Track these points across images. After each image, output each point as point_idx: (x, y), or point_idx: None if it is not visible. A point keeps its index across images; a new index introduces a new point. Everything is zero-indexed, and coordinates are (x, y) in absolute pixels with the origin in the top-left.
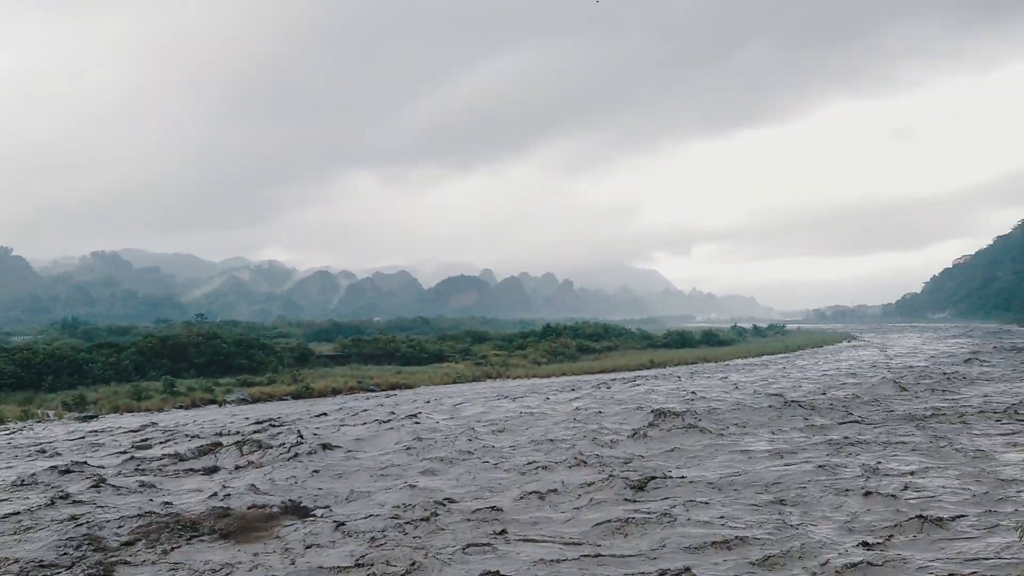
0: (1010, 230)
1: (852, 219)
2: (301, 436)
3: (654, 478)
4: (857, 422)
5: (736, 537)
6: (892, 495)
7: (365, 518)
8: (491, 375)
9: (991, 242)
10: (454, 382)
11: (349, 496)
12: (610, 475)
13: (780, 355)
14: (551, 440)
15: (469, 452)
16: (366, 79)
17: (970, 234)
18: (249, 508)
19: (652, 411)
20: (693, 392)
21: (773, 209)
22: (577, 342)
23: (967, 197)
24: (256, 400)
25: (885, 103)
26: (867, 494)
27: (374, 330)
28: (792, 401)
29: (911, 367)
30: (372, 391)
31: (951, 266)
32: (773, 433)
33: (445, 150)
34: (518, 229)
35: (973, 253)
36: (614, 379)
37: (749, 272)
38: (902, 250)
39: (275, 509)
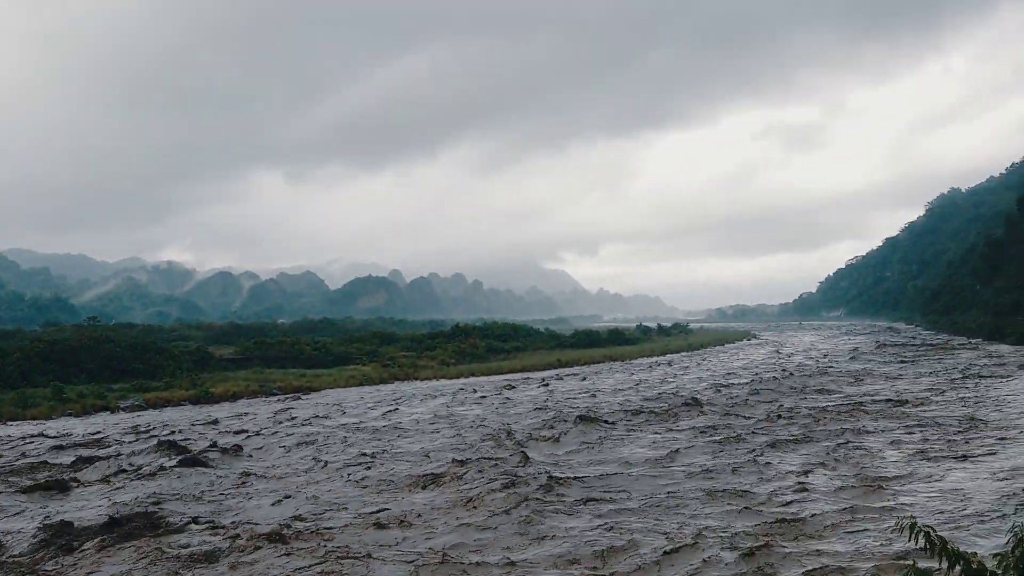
0: (898, 232)
1: (754, 221)
2: (171, 445)
3: (525, 490)
4: (745, 419)
5: (611, 547)
6: (771, 495)
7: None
8: (399, 377)
9: (880, 243)
10: (361, 384)
11: (211, 513)
12: (485, 487)
13: (683, 353)
14: (446, 445)
15: (342, 462)
16: (273, 75)
17: (863, 235)
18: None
19: (548, 411)
20: (594, 393)
21: (679, 210)
22: (486, 343)
23: (861, 200)
24: (152, 406)
25: (785, 109)
26: (744, 494)
27: (278, 332)
28: (688, 400)
29: (802, 365)
30: (275, 395)
31: (844, 267)
32: (662, 432)
33: (354, 148)
34: (427, 229)
35: (864, 254)
36: (524, 379)
37: (655, 272)
38: (800, 251)
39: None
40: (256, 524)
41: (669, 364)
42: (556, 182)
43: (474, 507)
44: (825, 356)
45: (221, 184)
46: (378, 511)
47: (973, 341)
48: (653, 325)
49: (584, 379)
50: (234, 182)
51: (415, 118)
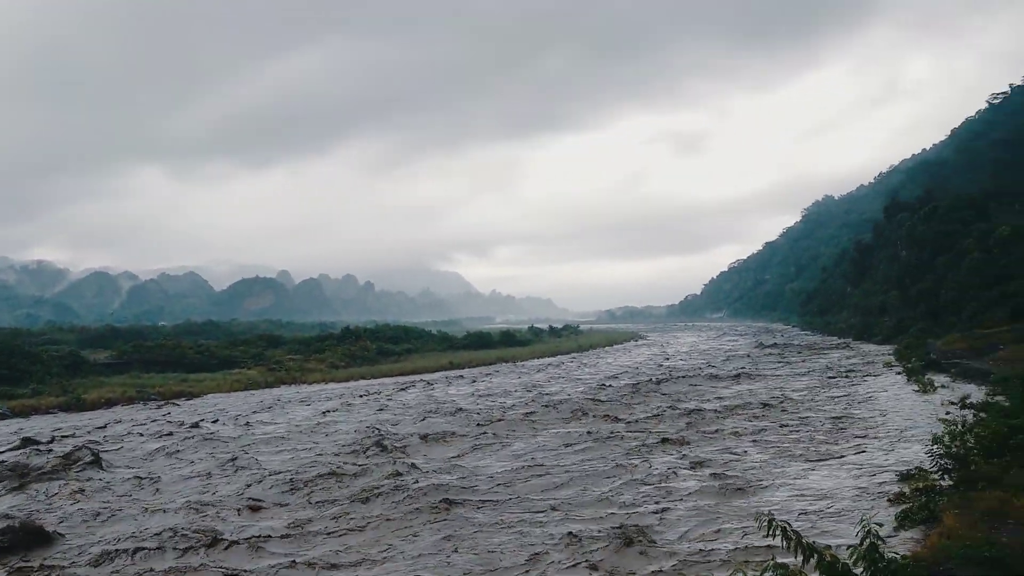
0: (776, 236)
1: (643, 224)
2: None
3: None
4: (618, 421)
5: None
6: (637, 498)
7: None
8: (286, 380)
9: (760, 248)
10: (246, 388)
11: None
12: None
13: (573, 354)
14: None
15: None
16: (156, 67)
17: (746, 240)
18: None
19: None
20: (454, 401)
21: (572, 214)
22: (377, 345)
23: (744, 205)
24: (18, 414)
25: (674, 116)
26: (607, 499)
27: (159, 335)
28: (557, 401)
29: (680, 367)
30: (153, 400)
31: (727, 270)
32: (537, 436)
33: (243, 145)
34: (318, 229)
35: (745, 258)
36: (413, 382)
37: (547, 274)
38: (687, 254)
39: None
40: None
41: (558, 366)
42: (450, 183)
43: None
44: (705, 357)
45: (98, 180)
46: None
47: (844, 340)
48: (545, 327)
49: (474, 381)
50: (113, 178)
51: (308, 115)
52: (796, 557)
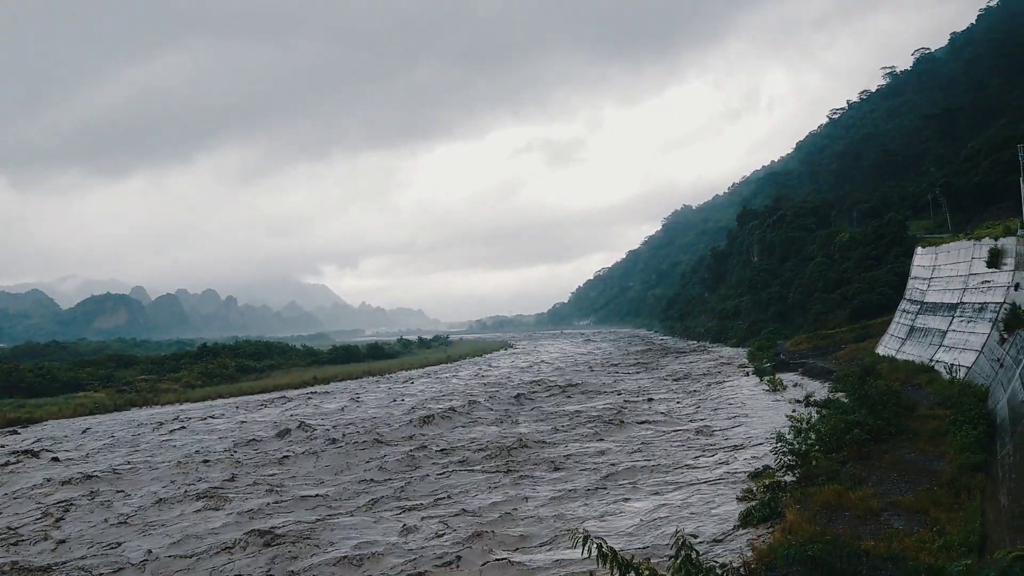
0: (639, 245)
1: (514, 233)
2: None
3: None
4: (443, 451)
5: None
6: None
7: None
8: (137, 403)
9: (624, 256)
10: (91, 413)
11: None
12: None
13: (442, 365)
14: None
15: None
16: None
17: (614, 248)
18: None
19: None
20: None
21: (443, 223)
22: (237, 362)
23: (612, 214)
24: None
25: (544, 127)
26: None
27: None
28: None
29: (535, 381)
30: None
31: (592, 278)
32: (325, 480)
33: (98, 153)
34: (177, 242)
35: (610, 266)
36: (269, 399)
37: (418, 285)
38: (556, 263)
39: None
40: None
41: (409, 381)
42: (318, 193)
43: None
44: (571, 366)
45: None
46: None
47: (702, 344)
48: (415, 338)
49: (301, 403)
50: None
51: (169, 122)
52: (612, 572)
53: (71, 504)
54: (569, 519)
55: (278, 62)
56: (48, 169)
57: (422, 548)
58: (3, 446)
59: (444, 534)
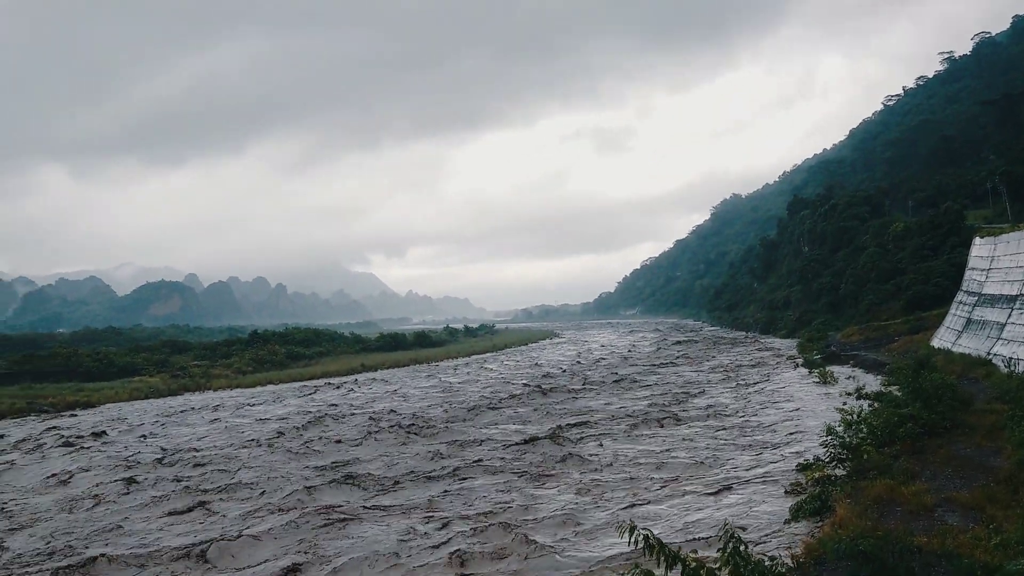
0: (687, 234)
1: (562, 222)
2: None
3: None
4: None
5: None
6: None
7: None
8: (190, 388)
9: (672, 245)
10: (146, 397)
11: None
12: None
13: (488, 354)
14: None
15: None
16: (62, 63)
17: (663, 237)
18: None
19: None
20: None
21: (490, 212)
22: (287, 349)
23: (662, 203)
24: None
25: (594, 115)
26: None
27: (55, 344)
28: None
29: (575, 372)
30: (45, 412)
31: (640, 267)
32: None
33: (154, 144)
34: (229, 231)
35: (658, 255)
36: (320, 385)
37: (464, 274)
38: (603, 252)
39: None
40: None
41: (468, 367)
42: (367, 183)
43: None
44: (618, 356)
45: None
46: None
47: (751, 335)
48: (461, 327)
49: (347, 390)
50: (11, 177)
51: (223, 112)
52: (659, 565)
53: (111, 486)
54: (615, 512)
55: (329, 52)
56: (107, 159)
57: (464, 542)
58: (65, 427)
59: (483, 526)
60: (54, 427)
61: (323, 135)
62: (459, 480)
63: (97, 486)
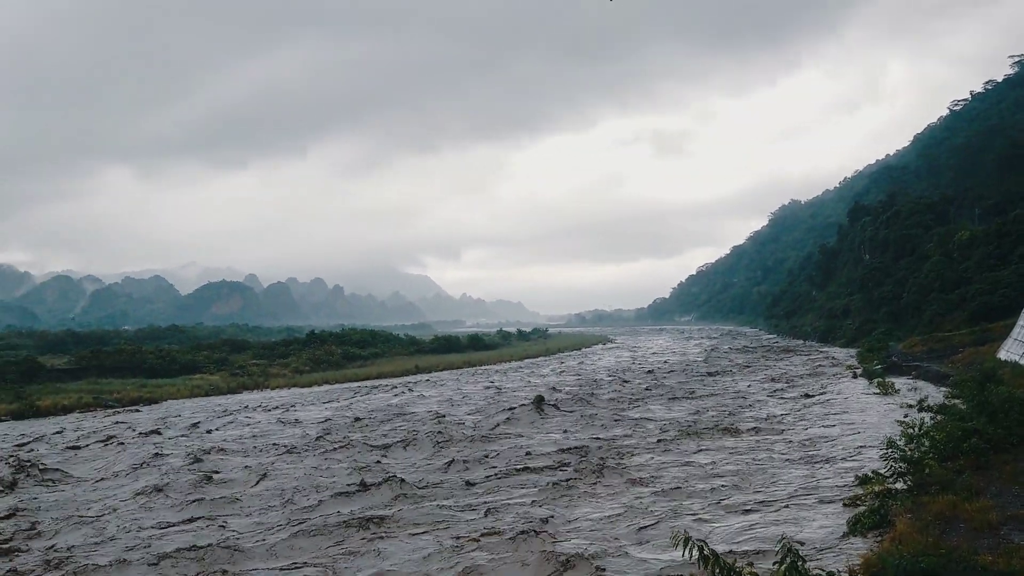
0: (744, 240)
1: (617, 226)
2: None
3: None
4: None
5: None
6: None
7: None
8: (248, 386)
9: (728, 251)
10: (207, 395)
11: None
12: None
13: (541, 358)
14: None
15: None
16: (129, 66)
17: (721, 243)
18: None
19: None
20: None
21: (545, 215)
22: (343, 349)
23: (719, 208)
24: None
25: (651, 119)
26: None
27: (120, 340)
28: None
29: (629, 381)
30: (111, 407)
31: (695, 273)
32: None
33: (217, 146)
34: (289, 232)
35: (714, 261)
36: (374, 385)
37: (517, 277)
38: (657, 257)
39: None
40: None
41: (519, 370)
42: (423, 185)
43: None
44: (673, 362)
45: (66, 180)
46: None
47: (809, 343)
48: (514, 330)
49: (399, 392)
50: (81, 179)
51: (285, 115)
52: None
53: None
54: (665, 522)
55: (389, 55)
56: (172, 161)
57: (492, 557)
58: (126, 422)
59: (532, 532)
60: (120, 421)
61: (381, 137)
62: (495, 492)
63: (142, 483)
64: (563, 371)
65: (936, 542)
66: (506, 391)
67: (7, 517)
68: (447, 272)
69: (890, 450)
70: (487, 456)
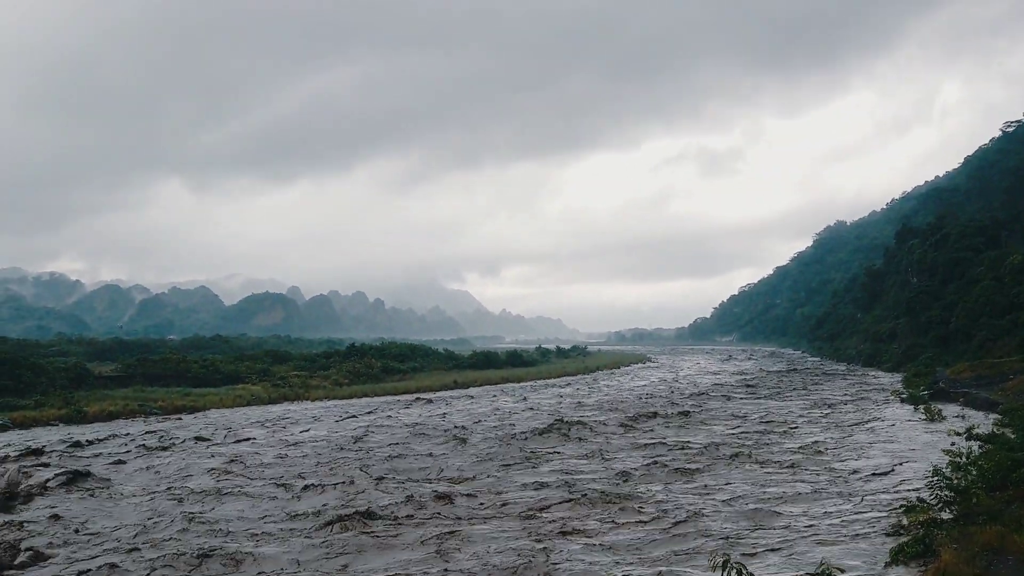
0: (787, 261)
1: (656, 246)
2: None
3: None
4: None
5: None
6: None
7: None
8: (289, 397)
9: (771, 272)
10: (248, 404)
11: None
12: None
13: (580, 375)
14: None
15: None
16: (183, 80)
17: (764, 263)
18: None
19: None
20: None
21: (586, 233)
22: (382, 363)
23: (766, 228)
24: (19, 425)
25: (697, 138)
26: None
27: (165, 349)
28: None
29: (675, 400)
30: (155, 415)
31: (737, 293)
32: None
33: (266, 160)
34: (331, 245)
35: (756, 281)
36: (412, 400)
37: (558, 294)
38: (699, 277)
39: None
40: None
41: (558, 387)
42: (467, 201)
43: None
44: (713, 384)
45: (120, 192)
46: None
47: (853, 367)
48: (553, 347)
49: (437, 407)
50: (135, 190)
51: (334, 131)
52: None
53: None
54: (705, 545)
55: (437, 72)
56: (223, 174)
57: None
58: (167, 430)
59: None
60: (158, 430)
61: (427, 153)
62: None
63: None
64: (601, 389)
65: (983, 574)
66: (539, 408)
67: (49, 520)
68: (488, 288)
69: (936, 478)
70: (511, 481)
